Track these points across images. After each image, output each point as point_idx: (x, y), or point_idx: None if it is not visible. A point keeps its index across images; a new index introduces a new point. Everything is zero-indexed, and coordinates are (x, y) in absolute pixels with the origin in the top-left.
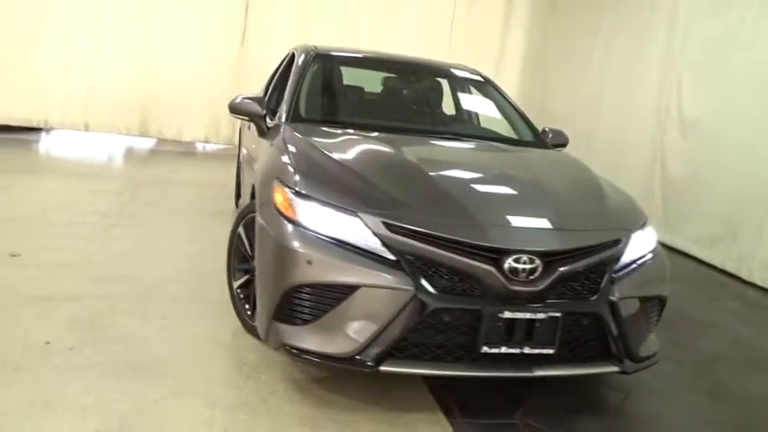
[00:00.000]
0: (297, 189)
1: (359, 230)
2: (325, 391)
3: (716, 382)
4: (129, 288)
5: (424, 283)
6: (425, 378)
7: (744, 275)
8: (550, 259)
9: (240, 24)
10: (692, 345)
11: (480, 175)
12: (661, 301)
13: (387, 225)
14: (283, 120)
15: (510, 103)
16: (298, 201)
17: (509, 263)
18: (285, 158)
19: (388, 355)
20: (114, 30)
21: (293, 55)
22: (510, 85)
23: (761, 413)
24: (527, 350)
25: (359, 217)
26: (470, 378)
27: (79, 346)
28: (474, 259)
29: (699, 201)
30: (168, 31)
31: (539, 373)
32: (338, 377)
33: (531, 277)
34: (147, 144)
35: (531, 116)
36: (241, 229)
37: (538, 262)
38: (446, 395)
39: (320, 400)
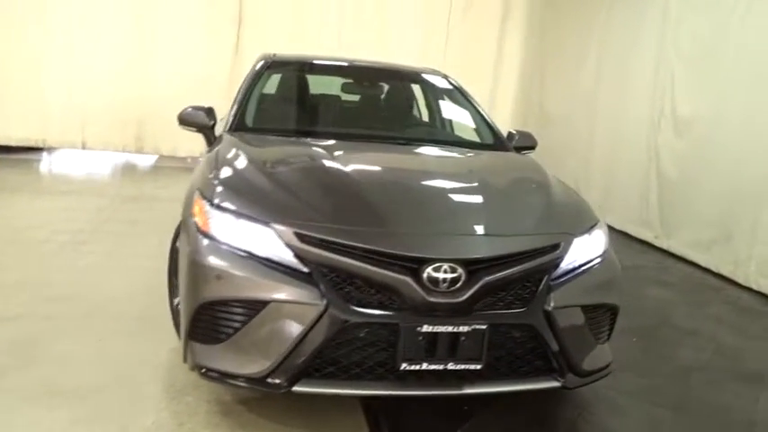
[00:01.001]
0: (213, 201)
1: (271, 242)
2: (249, 414)
3: (685, 395)
4: (78, 307)
5: (336, 296)
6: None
7: (740, 280)
8: (475, 267)
9: (233, 38)
10: (668, 355)
11: (413, 182)
12: (611, 310)
13: (299, 236)
14: (226, 129)
15: (474, 105)
16: (213, 213)
17: (428, 272)
18: (210, 170)
19: (303, 374)
20: (109, 48)
21: None
22: (509, 89)
23: (722, 427)
24: (451, 366)
25: (271, 228)
26: (395, 397)
27: (7, 370)
28: (390, 270)
29: (693, 202)
30: (162, 48)
31: (469, 390)
32: (270, 398)
33: (454, 287)
34: (147, 160)
35: (530, 119)
36: (177, 244)
37: (460, 271)
38: (381, 415)
39: (240, 424)
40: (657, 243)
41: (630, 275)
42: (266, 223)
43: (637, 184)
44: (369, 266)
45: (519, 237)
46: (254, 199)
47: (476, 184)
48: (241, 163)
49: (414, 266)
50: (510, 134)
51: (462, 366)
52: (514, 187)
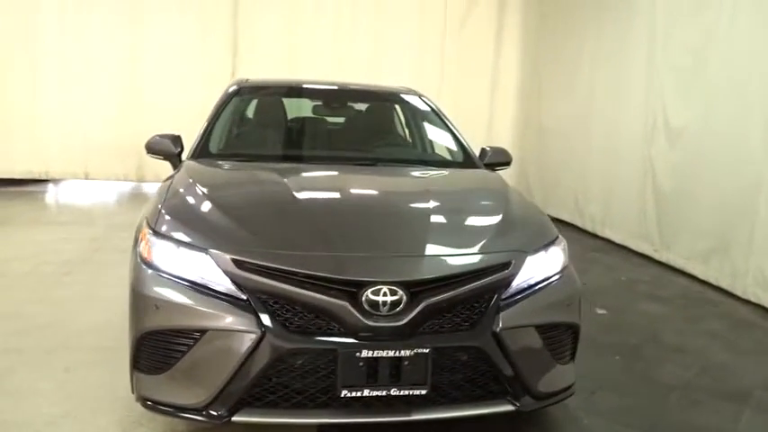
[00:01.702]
0: (156, 229)
1: (209, 269)
2: None
3: (661, 415)
4: (48, 339)
5: (273, 323)
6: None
7: (738, 292)
8: (417, 289)
9: (229, 66)
10: (651, 374)
11: (362, 204)
12: (571, 329)
13: (236, 262)
14: (189, 156)
15: (446, 123)
16: (154, 241)
17: (367, 296)
18: (161, 199)
19: (243, 403)
20: (106, 79)
21: None
22: (507, 105)
23: None
24: (395, 392)
25: (209, 254)
26: (339, 425)
27: None
28: (327, 294)
29: (690, 214)
30: (158, 78)
31: (417, 416)
32: (223, 428)
33: (395, 311)
34: (150, 188)
35: (528, 134)
36: None
37: (401, 293)
38: None
39: None
40: (657, 256)
41: (623, 290)
42: (204, 250)
43: (634, 197)
44: (305, 291)
45: (465, 256)
46: (194, 226)
47: (427, 205)
48: (190, 191)
49: (352, 290)
50: (483, 151)
51: (407, 392)
52: (469, 205)
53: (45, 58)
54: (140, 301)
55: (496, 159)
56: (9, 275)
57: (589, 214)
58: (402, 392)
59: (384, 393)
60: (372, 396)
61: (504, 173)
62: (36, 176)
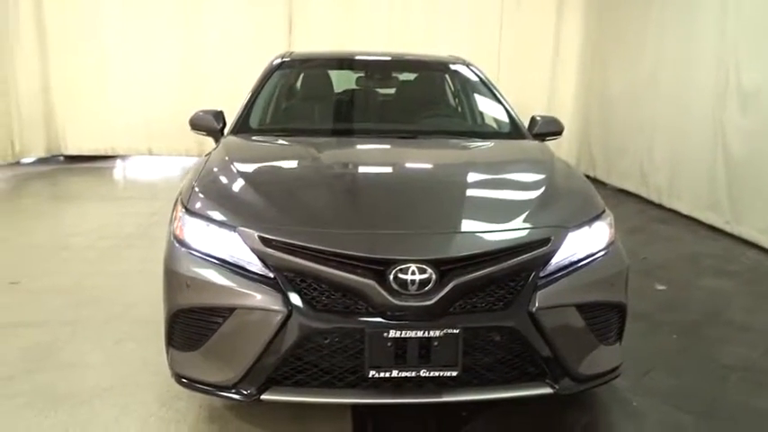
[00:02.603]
0: (188, 207)
1: (238, 247)
2: (237, 421)
3: (718, 398)
4: (101, 311)
5: (299, 302)
6: None
7: None
8: (447, 268)
9: (284, 43)
10: (711, 354)
11: (397, 179)
12: (617, 308)
13: (263, 240)
14: (229, 132)
15: (494, 93)
16: (186, 219)
17: (395, 274)
18: (195, 176)
19: (272, 382)
20: (167, 59)
21: None
22: (570, 75)
23: None
24: (424, 373)
25: (237, 232)
26: (370, 405)
27: (18, 375)
28: (354, 273)
29: (764, 183)
30: (215, 56)
31: (448, 398)
32: (261, 404)
33: (424, 290)
34: None
35: (592, 104)
36: None
37: (430, 272)
38: (369, 422)
39: (225, 431)
40: (728, 229)
41: (687, 264)
42: (233, 228)
43: (703, 165)
44: (333, 270)
45: (500, 233)
46: (225, 204)
47: (464, 179)
48: (223, 167)
49: (380, 268)
50: (533, 120)
51: (437, 373)
52: (509, 179)
53: (110, 42)
54: (172, 279)
55: (547, 129)
56: (72, 249)
57: (654, 184)
58: (432, 374)
59: (413, 374)
60: (401, 377)
61: (567, 143)
62: (102, 153)
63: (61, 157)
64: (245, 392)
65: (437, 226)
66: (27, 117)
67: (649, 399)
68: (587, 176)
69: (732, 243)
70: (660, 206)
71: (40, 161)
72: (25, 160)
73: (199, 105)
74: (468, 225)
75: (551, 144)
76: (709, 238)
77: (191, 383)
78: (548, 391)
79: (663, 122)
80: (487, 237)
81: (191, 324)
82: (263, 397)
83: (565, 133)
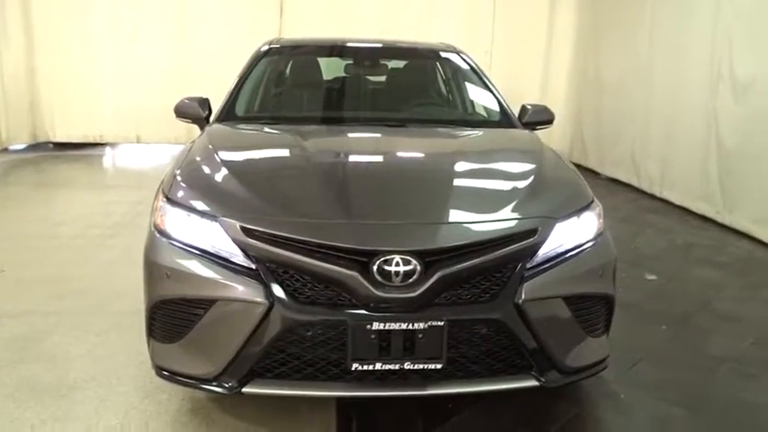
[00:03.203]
0: (168, 196)
1: (219, 238)
2: (220, 413)
3: (706, 390)
4: (84, 302)
5: (282, 293)
6: None
7: None
8: (432, 259)
9: (275, 27)
10: (700, 345)
11: (382, 168)
12: (604, 300)
13: (245, 230)
14: (214, 120)
15: (484, 81)
16: (167, 209)
17: (378, 265)
18: (177, 164)
19: (253, 375)
20: (156, 45)
21: None
22: (563, 61)
23: (739, 429)
24: (408, 366)
25: (218, 222)
26: (357, 398)
27: (0, 366)
28: (337, 264)
29: (757, 173)
30: (204, 41)
31: (433, 391)
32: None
33: (409, 281)
34: None
35: (586, 90)
36: None
37: (414, 263)
38: (354, 413)
39: (207, 423)
40: (719, 219)
41: (678, 255)
42: (214, 218)
43: (695, 154)
44: (315, 261)
45: (486, 223)
46: (206, 193)
47: (451, 168)
48: (206, 156)
49: (363, 260)
50: (523, 109)
51: (421, 366)
52: (496, 168)
53: (98, 26)
54: (153, 270)
55: (537, 118)
56: (59, 237)
57: (647, 173)
58: (416, 366)
59: (397, 367)
60: (385, 369)
61: (560, 132)
62: (90, 140)
63: (50, 145)
64: (226, 385)
65: (422, 216)
66: (13, 104)
67: (637, 391)
68: (579, 166)
69: (724, 233)
70: (652, 196)
71: (29, 148)
72: (13, 147)
73: (188, 92)
74: (453, 215)
75: (543, 133)
76: (701, 229)
77: (171, 376)
78: (534, 383)
79: (656, 112)
80: (473, 227)
81: (171, 316)
82: (244, 390)
83: (557, 122)
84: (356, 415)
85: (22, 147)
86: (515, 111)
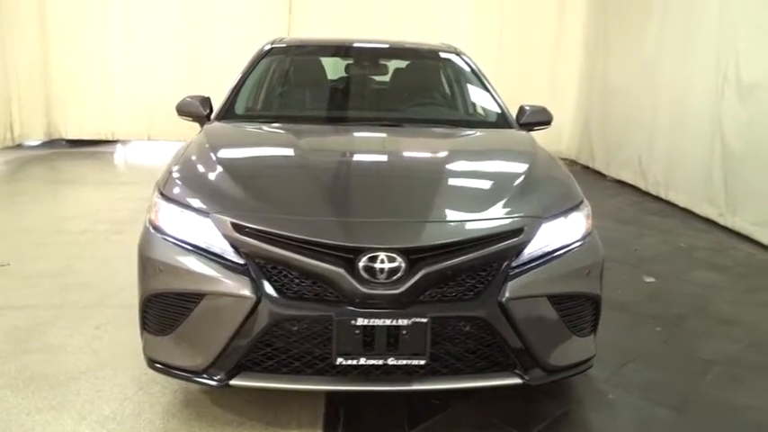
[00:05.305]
0: (163, 192)
1: (210, 233)
2: (210, 405)
3: (694, 392)
4: (87, 296)
5: (269, 288)
6: None
7: None
8: (417, 257)
9: (284, 27)
10: (693, 347)
11: (372, 167)
12: (590, 300)
13: (235, 226)
14: (214, 118)
15: (482, 81)
16: (161, 205)
17: (364, 262)
18: (174, 161)
19: (241, 368)
20: (167, 44)
21: None
22: (573, 63)
23: (721, 428)
24: (392, 361)
25: (210, 218)
26: (347, 393)
27: (0, 356)
28: (323, 260)
29: (759, 176)
30: (214, 40)
31: (417, 387)
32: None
33: (394, 278)
34: None
35: (594, 93)
36: None
37: (399, 260)
38: (342, 408)
39: (197, 415)
40: (722, 221)
41: (679, 257)
42: (206, 214)
43: (700, 157)
44: (302, 257)
45: (472, 222)
46: (200, 190)
47: (441, 167)
48: (202, 153)
49: (349, 256)
50: (521, 110)
51: (405, 361)
52: (487, 168)
53: (111, 26)
54: (146, 264)
55: (535, 119)
56: (66, 233)
57: (652, 176)
58: (400, 362)
59: (381, 362)
60: (370, 365)
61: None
62: (102, 137)
63: (63, 142)
64: (214, 378)
65: (409, 214)
66: (27, 101)
67: (625, 391)
68: (587, 168)
69: (726, 236)
70: (657, 198)
71: (43, 145)
72: (27, 143)
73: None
74: (439, 214)
75: (552, 135)
76: (704, 231)
77: (162, 368)
78: (517, 381)
79: (662, 114)
80: (459, 226)
81: (163, 309)
82: (232, 382)
83: (567, 125)
84: (344, 410)
85: (36, 143)
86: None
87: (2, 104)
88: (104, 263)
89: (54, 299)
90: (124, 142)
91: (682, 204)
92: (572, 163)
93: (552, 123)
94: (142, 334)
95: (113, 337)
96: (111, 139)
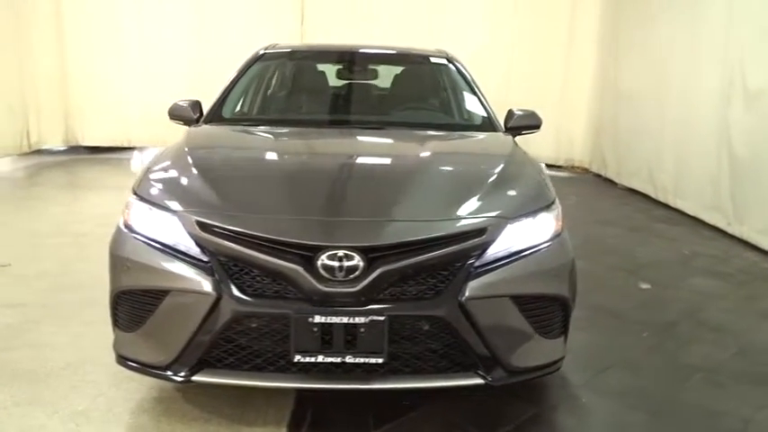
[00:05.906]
0: (137, 192)
1: (176, 231)
2: (180, 402)
3: (673, 398)
4: (80, 295)
5: (230, 286)
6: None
7: None
8: (375, 255)
9: (297, 34)
10: (679, 354)
11: (341, 168)
12: (558, 302)
13: (200, 224)
14: (201, 121)
15: (470, 85)
16: (133, 203)
17: (322, 260)
18: (152, 162)
19: (203, 364)
20: (181, 52)
21: None
22: (586, 66)
23: None
24: (350, 359)
25: (176, 216)
26: (316, 391)
27: None
28: (282, 258)
29: (766, 184)
30: (226, 46)
31: (376, 385)
32: (208, 387)
33: (351, 276)
34: None
35: (606, 97)
36: None
37: (357, 259)
38: (309, 406)
39: (167, 411)
40: (730, 230)
41: (680, 264)
42: (173, 212)
43: (708, 165)
44: (262, 255)
45: (433, 222)
46: (171, 189)
47: (411, 168)
48: (177, 155)
49: (308, 254)
50: (510, 113)
51: (362, 359)
52: (459, 169)
53: (127, 33)
54: (116, 261)
55: (522, 123)
56: (68, 235)
57: (661, 183)
58: (357, 360)
59: (339, 360)
60: (327, 362)
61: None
62: (118, 144)
63: (83, 148)
64: (178, 374)
65: (369, 213)
66: (46, 108)
67: (601, 396)
68: (599, 176)
69: (732, 244)
70: (666, 206)
71: (63, 151)
72: (47, 149)
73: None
74: (401, 213)
75: (565, 143)
76: (710, 239)
77: (130, 364)
78: (479, 381)
79: (669, 120)
80: (419, 225)
81: (131, 306)
82: (194, 378)
83: (578, 132)
84: (312, 409)
85: (57, 149)
86: None
87: (19, 113)
88: (100, 264)
89: (47, 298)
90: (140, 149)
91: (690, 212)
92: (585, 171)
93: (564, 131)
94: (114, 330)
95: (99, 335)
96: (127, 145)
